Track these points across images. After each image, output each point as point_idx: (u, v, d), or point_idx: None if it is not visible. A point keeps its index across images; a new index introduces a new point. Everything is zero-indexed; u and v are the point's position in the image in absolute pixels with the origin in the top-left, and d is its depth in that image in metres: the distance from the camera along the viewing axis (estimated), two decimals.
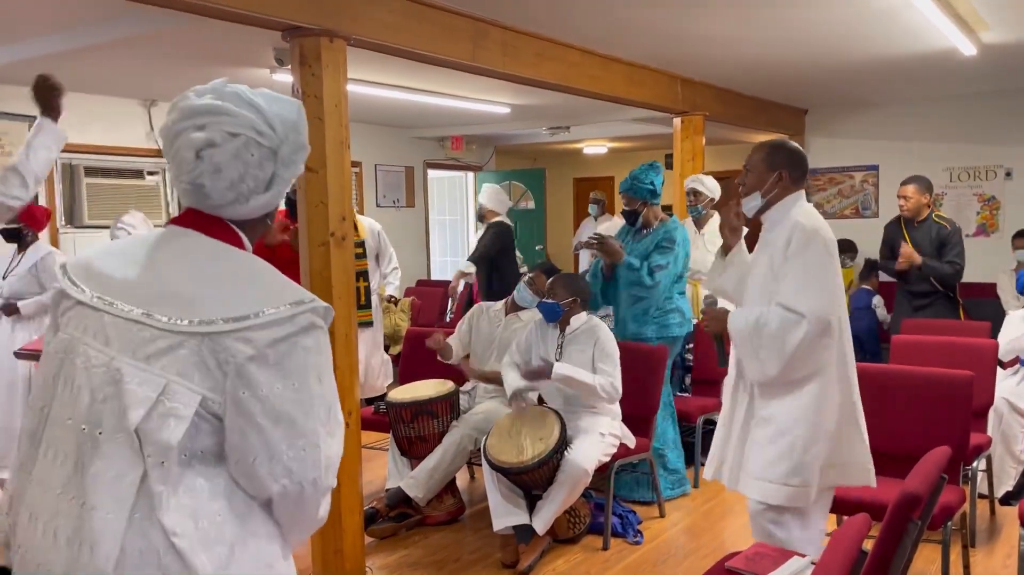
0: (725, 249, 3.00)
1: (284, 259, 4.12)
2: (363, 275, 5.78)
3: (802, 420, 2.66)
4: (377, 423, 4.61)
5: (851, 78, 6.60)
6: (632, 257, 4.42)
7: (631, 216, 4.56)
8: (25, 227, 5.10)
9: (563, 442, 3.72)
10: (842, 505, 3.08)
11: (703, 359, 5.03)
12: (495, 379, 4.26)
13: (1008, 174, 7.57)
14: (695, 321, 4.82)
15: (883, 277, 6.65)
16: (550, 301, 3.99)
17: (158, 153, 6.45)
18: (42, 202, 6.04)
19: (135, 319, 1.30)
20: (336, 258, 3.46)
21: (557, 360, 3.96)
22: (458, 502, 4.36)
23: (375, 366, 5.98)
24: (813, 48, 5.44)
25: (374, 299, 5.94)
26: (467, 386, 4.59)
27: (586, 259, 8.02)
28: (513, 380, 4.00)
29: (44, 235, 5.45)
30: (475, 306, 4.75)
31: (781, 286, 2.67)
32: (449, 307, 6.94)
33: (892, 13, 4.56)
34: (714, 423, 5.12)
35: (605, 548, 3.94)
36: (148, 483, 1.26)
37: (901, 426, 3.37)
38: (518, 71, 4.59)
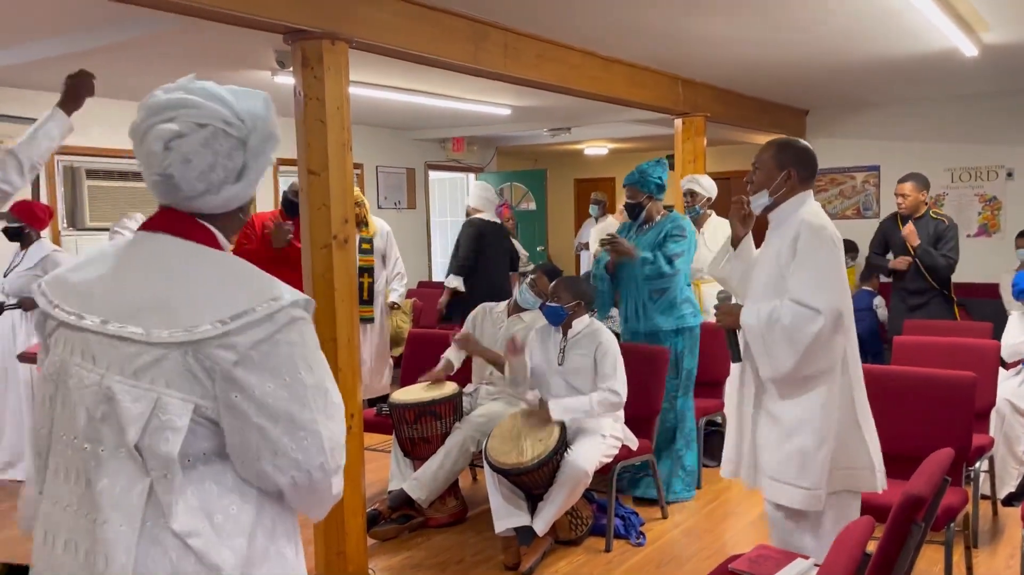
0: (734, 240, 2.98)
1: (293, 261, 4.12)
2: (368, 271, 5.81)
3: (809, 422, 2.65)
4: (380, 425, 4.61)
5: (852, 79, 6.60)
6: (644, 251, 4.42)
7: (635, 209, 4.56)
8: (27, 226, 5.12)
9: (563, 443, 3.72)
10: None
11: (705, 360, 5.02)
12: (498, 360, 4.25)
13: (1009, 174, 7.57)
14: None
15: (884, 278, 6.65)
16: (554, 304, 3.98)
17: None
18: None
19: (117, 334, 1.31)
20: (338, 260, 3.46)
21: (560, 365, 3.97)
22: (460, 504, 4.36)
23: (380, 369, 6.00)
24: (814, 49, 5.44)
25: (379, 300, 5.96)
26: (469, 387, 4.59)
27: (587, 260, 8.03)
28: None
29: (46, 235, 5.45)
30: (478, 307, 4.75)
31: (791, 282, 2.65)
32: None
33: (893, 13, 4.56)
34: (716, 423, 5.18)
35: (607, 550, 3.94)
36: (156, 492, 1.28)
37: (903, 427, 3.36)
38: (519, 72, 4.59)
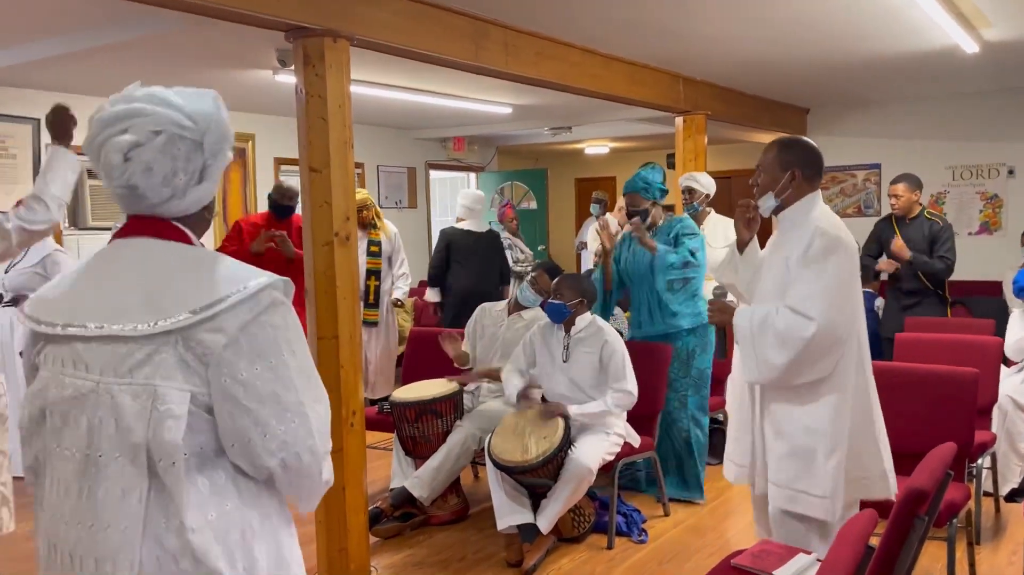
0: (740, 245, 2.92)
1: (274, 265, 4.15)
2: (375, 274, 5.83)
3: (820, 431, 2.62)
4: (381, 423, 4.61)
5: (853, 76, 6.60)
6: (660, 245, 4.40)
7: (639, 216, 4.52)
8: None
9: (567, 440, 3.72)
10: None
11: None
12: (499, 376, 4.26)
13: (1011, 172, 7.57)
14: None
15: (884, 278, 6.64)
16: (557, 302, 3.98)
17: None
18: None
19: (107, 335, 1.32)
20: (340, 258, 3.46)
21: (564, 362, 3.96)
22: (462, 502, 4.36)
23: (387, 370, 6.00)
24: (815, 46, 5.44)
25: (385, 301, 5.98)
26: (471, 386, 4.59)
27: (588, 259, 8.01)
28: (516, 385, 4.00)
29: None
30: (479, 307, 4.75)
31: (792, 289, 2.63)
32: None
33: (894, 11, 4.55)
34: (717, 421, 5.18)
35: (610, 547, 3.94)
36: (156, 492, 1.31)
37: (906, 423, 3.36)
38: (520, 70, 4.59)
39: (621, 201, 5.52)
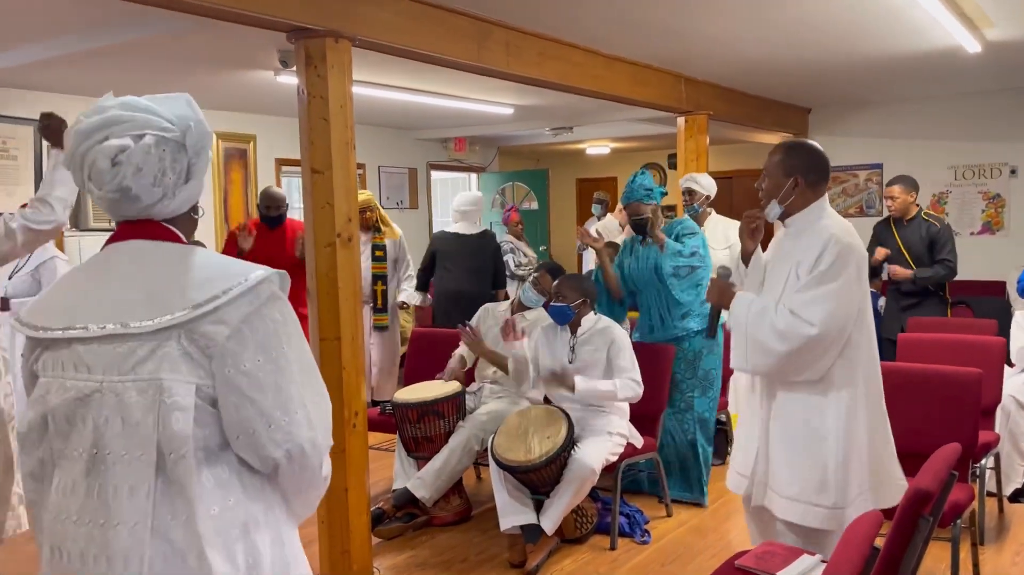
0: (744, 255, 2.88)
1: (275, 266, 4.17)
2: (382, 278, 5.81)
3: (830, 438, 2.61)
4: (383, 424, 4.61)
5: (855, 76, 6.59)
6: (657, 256, 4.38)
7: (643, 223, 4.41)
8: None
9: (570, 441, 3.71)
10: None
11: None
12: (502, 362, 4.25)
13: (1013, 172, 7.56)
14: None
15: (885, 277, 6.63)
16: (560, 304, 3.97)
17: None
18: None
19: (109, 335, 1.33)
20: (342, 259, 3.46)
21: (570, 363, 3.96)
22: (465, 502, 4.36)
23: (392, 372, 6.00)
24: (817, 46, 5.43)
25: (390, 304, 5.98)
26: (473, 386, 4.59)
27: (590, 260, 8.01)
28: (547, 367, 3.99)
29: None
30: (482, 307, 4.75)
31: (799, 294, 2.61)
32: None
33: (896, 11, 4.55)
34: (719, 421, 5.16)
35: (612, 548, 3.93)
36: (163, 488, 1.31)
37: (910, 424, 3.35)
38: (521, 71, 4.59)
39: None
